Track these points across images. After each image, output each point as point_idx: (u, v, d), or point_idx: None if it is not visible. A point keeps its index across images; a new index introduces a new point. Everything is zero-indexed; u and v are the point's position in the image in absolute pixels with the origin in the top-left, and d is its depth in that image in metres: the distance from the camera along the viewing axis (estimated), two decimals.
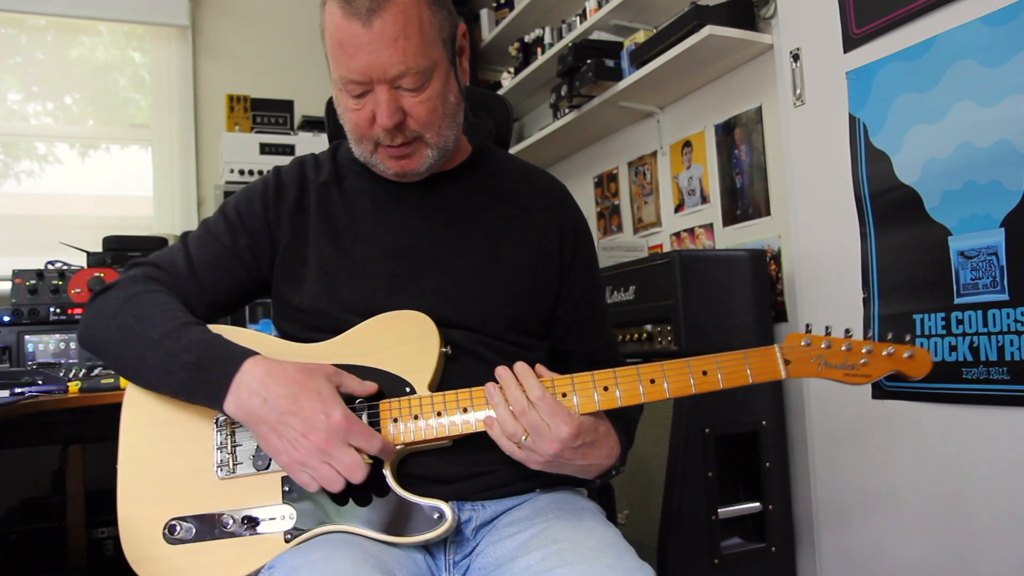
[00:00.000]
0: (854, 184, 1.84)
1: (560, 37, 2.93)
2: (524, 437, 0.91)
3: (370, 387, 0.97)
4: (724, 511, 1.90)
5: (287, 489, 0.95)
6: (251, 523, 0.94)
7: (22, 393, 1.57)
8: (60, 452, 2.49)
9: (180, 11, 3.37)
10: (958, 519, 1.63)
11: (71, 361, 2.23)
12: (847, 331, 0.95)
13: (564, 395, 0.95)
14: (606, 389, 0.95)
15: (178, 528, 0.94)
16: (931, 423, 1.68)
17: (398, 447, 0.95)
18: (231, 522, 0.94)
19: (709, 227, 2.46)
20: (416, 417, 0.96)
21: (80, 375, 1.71)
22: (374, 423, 0.96)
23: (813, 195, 1.99)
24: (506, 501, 1.04)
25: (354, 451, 0.90)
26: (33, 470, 2.68)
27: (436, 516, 0.93)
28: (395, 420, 0.96)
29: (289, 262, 1.08)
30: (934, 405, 1.67)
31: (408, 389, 0.98)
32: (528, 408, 0.91)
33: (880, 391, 1.80)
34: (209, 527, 0.94)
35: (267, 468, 0.96)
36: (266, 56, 3.54)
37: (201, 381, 0.93)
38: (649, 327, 2.04)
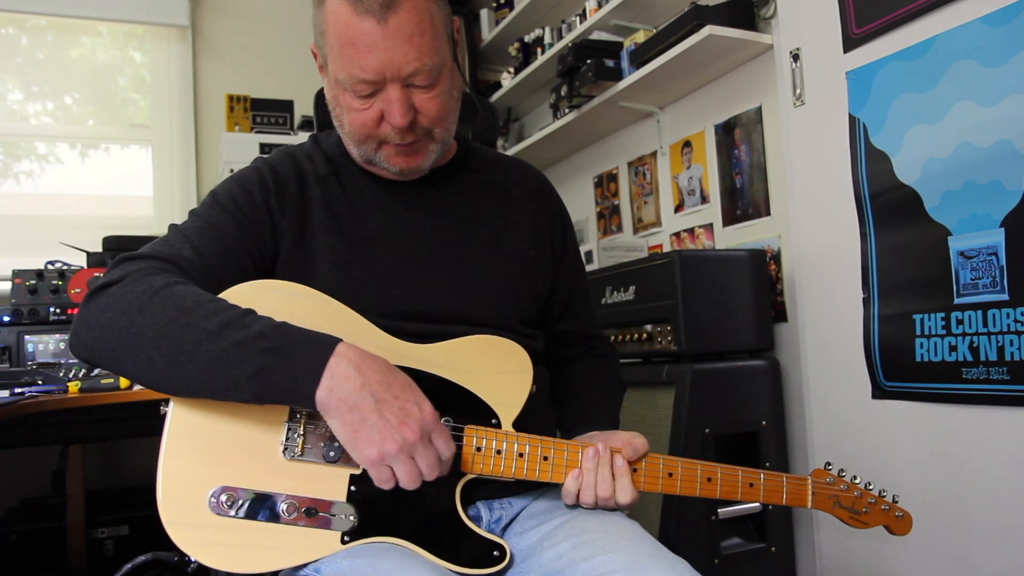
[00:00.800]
0: (854, 184, 1.84)
1: (560, 37, 2.93)
2: (588, 506, 0.98)
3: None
4: (724, 511, 1.90)
5: (353, 489, 0.90)
6: (310, 514, 0.88)
7: (22, 393, 1.57)
8: (60, 452, 2.49)
9: (180, 11, 3.37)
10: (958, 519, 1.63)
11: (71, 361, 2.23)
12: (853, 478, 1.07)
13: (635, 470, 1.00)
14: (671, 475, 1.02)
15: (227, 499, 0.86)
16: (931, 423, 1.68)
17: (470, 476, 0.95)
18: (289, 507, 0.87)
19: (709, 227, 2.46)
20: (499, 452, 0.95)
21: (80, 375, 1.71)
22: (456, 445, 0.93)
23: (813, 195, 1.99)
24: (528, 496, 1.07)
25: (435, 449, 0.86)
26: (33, 470, 2.68)
27: (496, 553, 0.92)
28: (478, 449, 0.94)
29: (296, 258, 1.03)
30: (934, 405, 1.67)
31: (494, 421, 0.97)
32: (612, 499, 0.97)
33: (880, 391, 1.80)
34: (262, 506, 0.87)
35: (337, 461, 0.90)
36: (266, 56, 3.53)
37: (284, 369, 0.83)
38: (649, 327, 2.04)
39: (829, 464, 1.08)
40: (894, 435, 1.77)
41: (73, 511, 2.33)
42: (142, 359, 0.85)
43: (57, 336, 2.28)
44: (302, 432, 0.90)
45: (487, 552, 0.92)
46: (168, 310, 0.85)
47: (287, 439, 0.90)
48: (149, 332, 0.85)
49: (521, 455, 0.95)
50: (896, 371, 1.75)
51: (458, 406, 0.95)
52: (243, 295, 0.92)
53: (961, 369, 1.60)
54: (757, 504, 1.96)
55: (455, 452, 0.89)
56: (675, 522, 1.83)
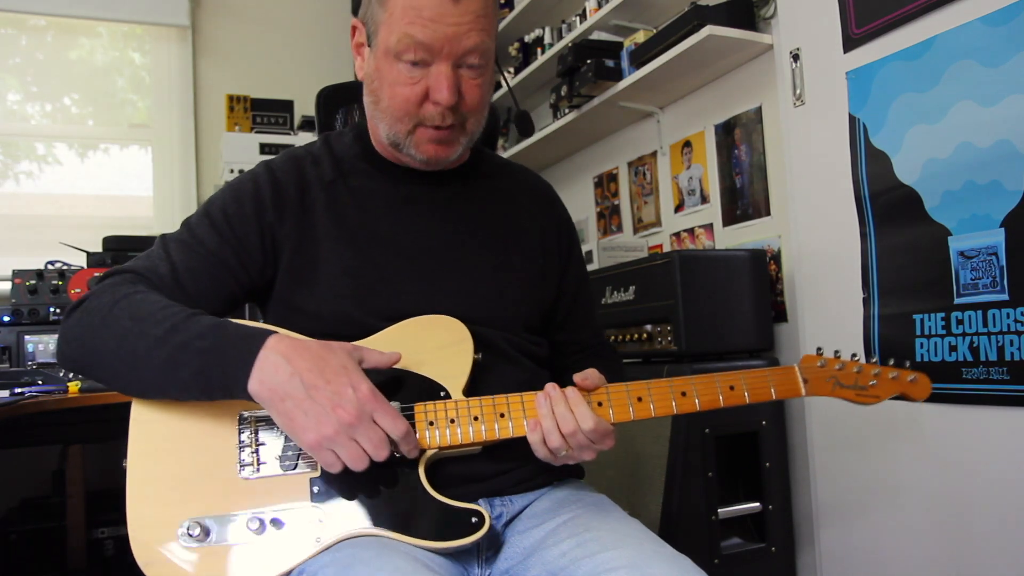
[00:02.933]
0: (854, 184, 1.84)
1: (560, 37, 2.93)
2: (564, 452, 0.94)
3: (393, 357, 0.94)
4: (724, 511, 1.90)
5: (316, 490, 0.91)
6: (277, 525, 0.90)
7: (22, 393, 1.57)
8: (60, 452, 2.49)
9: (180, 11, 3.37)
10: (958, 519, 1.63)
11: None
12: (853, 355, 1.00)
13: (600, 404, 0.97)
14: (640, 400, 0.97)
15: (196, 530, 0.88)
16: (931, 423, 1.68)
17: (432, 451, 0.95)
18: (256, 523, 0.89)
19: (709, 227, 2.46)
20: (452, 421, 0.95)
21: (80, 375, 1.71)
22: (409, 424, 0.93)
23: (813, 195, 1.99)
24: (531, 495, 1.06)
25: (379, 428, 0.86)
26: (33, 470, 2.68)
27: (474, 520, 0.92)
28: (431, 424, 0.94)
29: (298, 265, 1.03)
30: (934, 405, 1.67)
31: (443, 393, 0.97)
32: (577, 431, 0.92)
33: None
34: (231, 529, 0.89)
35: (295, 469, 0.92)
36: (266, 56, 3.54)
37: (219, 365, 0.87)
38: (649, 327, 2.04)
39: (820, 348, 1.01)
40: (894, 435, 1.77)
41: (73, 511, 2.33)
42: (108, 369, 0.92)
43: (57, 336, 2.28)
44: (254, 449, 0.93)
45: (465, 520, 0.92)
46: (124, 320, 0.91)
47: (241, 459, 0.92)
48: (111, 343, 0.91)
49: (476, 418, 0.95)
50: None
51: (406, 389, 0.97)
52: None
53: (961, 369, 1.60)
54: (757, 504, 1.96)
55: (407, 428, 0.88)
56: (675, 522, 1.83)
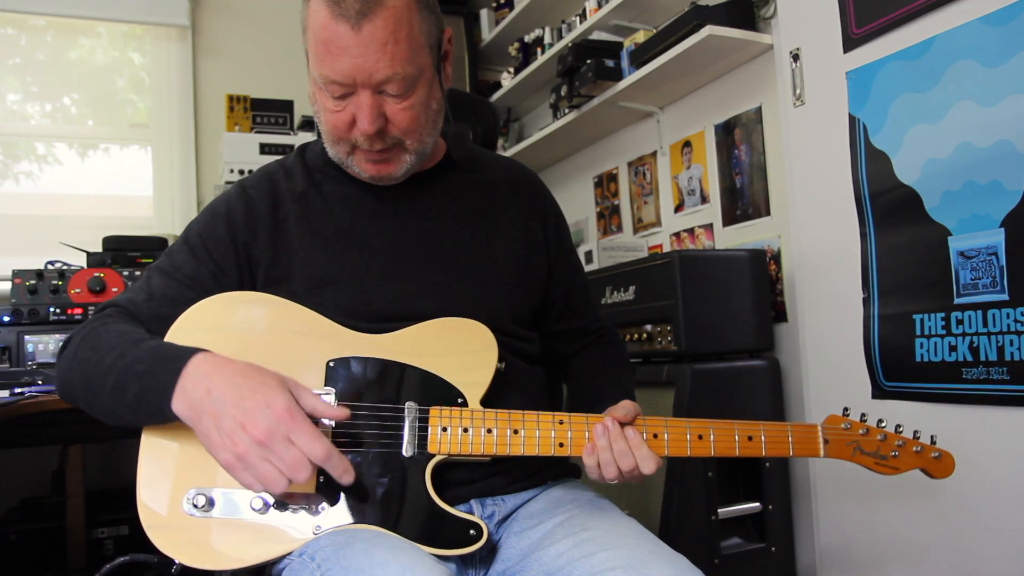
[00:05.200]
0: (854, 184, 1.84)
1: (560, 37, 2.93)
2: (617, 482, 0.96)
3: (339, 412, 0.89)
4: (724, 511, 1.90)
5: (322, 480, 0.90)
6: (281, 508, 0.91)
7: (22, 393, 1.57)
8: (60, 452, 2.49)
9: (180, 11, 3.37)
10: (958, 519, 1.63)
11: None
12: (880, 422, 0.98)
13: (656, 436, 0.97)
14: (701, 438, 0.98)
15: (201, 500, 0.90)
16: (931, 423, 1.68)
17: (441, 457, 0.95)
18: (260, 504, 0.91)
19: (709, 227, 2.46)
20: (466, 431, 0.95)
21: None
22: (423, 427, 0.95)
23: (813, 195, 1.99)
24: (524, 494, 1.06)
25: (296, 448, 0.83)
26: (33, 470, 2.68)
27: (472, 532, 0.93)
28: (444, 430, 0.95)
29: (274, 277, 1.04)
30: (934, 405, 1.67)
31: (460, 400, 0.97)
32: (636, 468, 0.94)
33: (880, 391, 1.80)
34: (235, 504, 0.91)
35: None
36: (266, 56, 3.53)
37: (151, 386, 0.88)
38: (649, 327, 2.04)
39: (847, 409, 0.98)
40: None
41: (73, 511, 2.33)
42: (81, 400, 0.96)
43: (57, 336, 2.28)
44: None
45: (463, 532, 0.93)
46: (87, 351, 0.95)
47: None
48: (78, 375, 0.95)
49: (490, 431, 0.95)
50: (896, 371, 1.75)
51: (424, 390, 0.97)
52: (205, 309, 0.99)
53: (961, 369, 1.60)
54: (757, 504, 1.96)
55: (328, 451, 0.83)
56: (675, 522, 1.83)
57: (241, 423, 0.83)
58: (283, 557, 0.91)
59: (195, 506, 0.90)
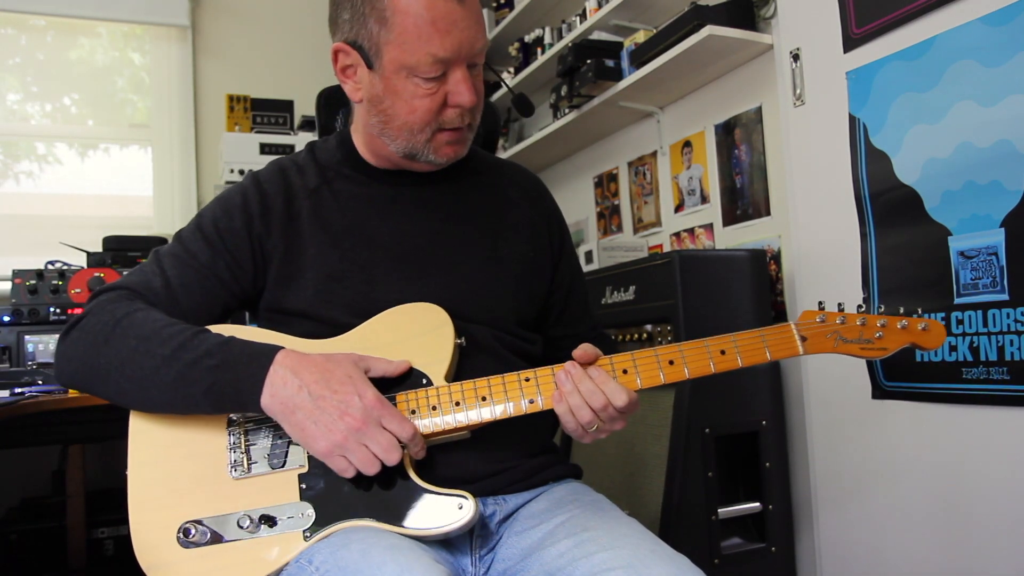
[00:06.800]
0: (854, 184, 1.84)
1: (560, 37, 2.93)
2: (595, 427, 0.95)
3: (401, 365, 0.97)
4: (724, 511, 1.90)
5: (304, 487, 0.94)
6: (269, 522, 0.93)
7: (22, 393, 1.57)
8: (60, 452, 2.50)
9: (180, 11, 3.37)
10: (958, 519, 1.63)
11: None
12: (859, 306, 0.95)
13: (625, 371, 0.96)
14: (672, 363, 0.96)
15: (192, 531, 0.92)
16: (931, 423, 1.68)
17: None
18: (248, 522, 0.92)
19: (709, 227, 2.46)
20: (434, 408, 0.96)
21: None
22: None
23: (813, 195, 1.99)
24: (526, 494, 1.06)
25: (388, 432, 0.90)
26: (33, 470, 2.68)
27: (459, 507, 0.93)
28: (412, 412, 0.96)
29: (286, 273, 1.05)
30: (934, 405, 1.67)
31: (425, 381, 0.98)
32: (608, 405, 0.93)
33: (880, 391, 1.80)
34: (225, 529, 0.93)
35: (283, 466, 0.96)
36: (266, 56, 3.54)
37: (231, 382, 0.91)
38: (649, 327, 2.04)
39: (822, 303, 0.94)
40: (894, 435, 1.77)
41: (73, 511, 2.34)
42: (113, 386, 0.95)
43: (57, 336, 2.28)
44: (244, 450, 0.96)
45: (451, 507, 0.93)
46: (129, 340, 0.94)
47: (232, 460, 0.96)
48: (115, 361, 0.94)
49: (458, 404, 0.96)
50: (896, 371, 1.75)
51: (390, 380, 0.98)
52: None
53: (961, 369, 1.60)
54: (757, 504, 1.96)
55: (414, 430, 0.91)
56: (675, 522, 1.83)
57: (340, 414, 0.89)
58: (279, 570, 0.92)
59: (188, 538, 0.92)
